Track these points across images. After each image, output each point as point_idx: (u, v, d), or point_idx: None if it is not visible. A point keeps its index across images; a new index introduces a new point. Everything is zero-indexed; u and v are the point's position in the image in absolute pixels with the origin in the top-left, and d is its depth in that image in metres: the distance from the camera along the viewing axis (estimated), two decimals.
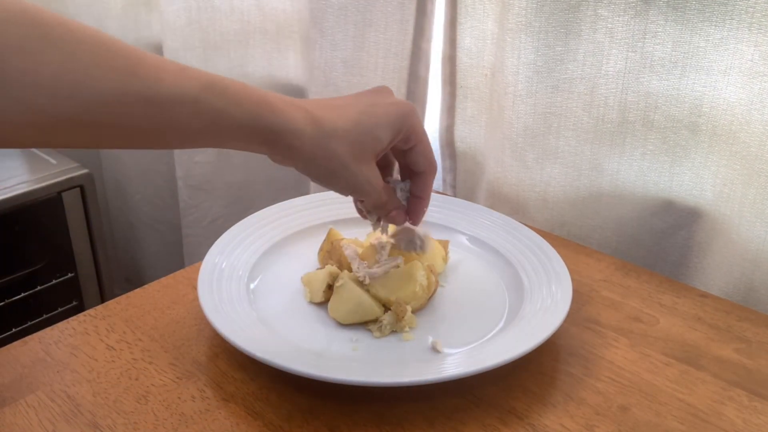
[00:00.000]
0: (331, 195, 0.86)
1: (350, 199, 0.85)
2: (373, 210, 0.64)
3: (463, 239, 0.81)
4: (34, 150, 1.45)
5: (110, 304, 0.71)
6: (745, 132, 0.73)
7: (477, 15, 0.91)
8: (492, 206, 0.96)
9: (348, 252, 0.69)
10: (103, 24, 1.44)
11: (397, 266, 0.68)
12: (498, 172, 0.94)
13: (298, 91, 1.23)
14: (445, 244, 0.76)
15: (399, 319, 0.65)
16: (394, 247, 0.70)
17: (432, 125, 1.07)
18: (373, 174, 0.58)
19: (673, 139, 0.79)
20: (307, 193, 1.29)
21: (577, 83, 0.83)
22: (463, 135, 1.00)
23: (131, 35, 1.42)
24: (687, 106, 0.77)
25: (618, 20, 0.77)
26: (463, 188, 1.04)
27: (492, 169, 0.95)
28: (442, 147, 1.04)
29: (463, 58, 0.95)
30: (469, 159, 1.01)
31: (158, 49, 1.34)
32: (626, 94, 0.80)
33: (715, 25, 0.72)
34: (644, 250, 0.86)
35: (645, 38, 0.76)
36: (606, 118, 0.82)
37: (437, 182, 1.13)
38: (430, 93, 1.07)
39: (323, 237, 0.75)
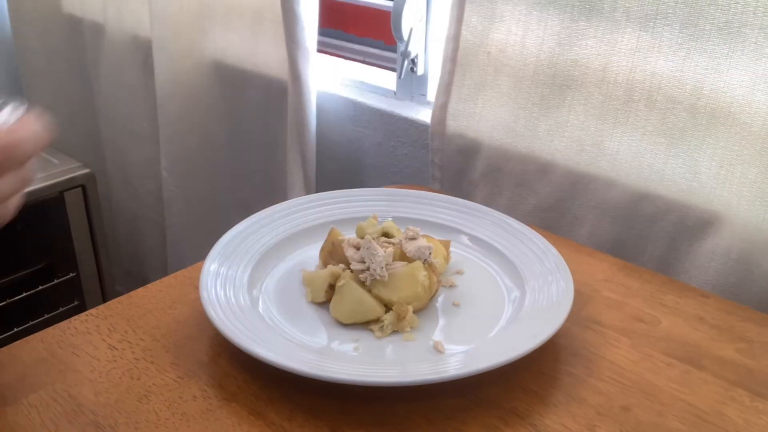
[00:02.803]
0: (332, 195, 0.86)
1: (350, 197, 0.85)
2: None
3: (465, 239, 0.81)
4: None
5: (112, 303, 0.71)
6: (746, 113, 0.74)
7: None
8: (489, 181, 0.97)
9: (349, 253, 0.69)
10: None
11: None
12: (507, 143, 0.95)
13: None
14: (446, 244, 0.76)
15: (400, 318, 0.65)
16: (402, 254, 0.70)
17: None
18: None
19: (672, 121, 0.80)
20: (304, 187, 1.29)
21: (594, 59, 0.85)
22: (457, 113, 1.01)
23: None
24: (688, 88, 0.78)
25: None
26: (451, 168, 1.04)
27: (496, 142, 0.96)
28: (433, 126, 1.03)
29: (467, 36, 0.96)
30: (459, 138, 1.02)
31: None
32: (634, 73, 0.82)
33: (721, 9, 0.74)
34: (636, 234, 0.86)
35: (656, 18, 0.78)
36: (613, 96, 0.84)
37: (426, 174, 1.13)
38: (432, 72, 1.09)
39: (324, 237, 0.75)
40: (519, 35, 0.90)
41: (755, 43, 0.72)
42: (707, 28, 0.75)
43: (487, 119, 0.97)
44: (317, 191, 0.86)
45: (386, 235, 0.73)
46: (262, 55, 1.24)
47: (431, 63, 1.16)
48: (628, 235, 0.87)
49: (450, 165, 1.03)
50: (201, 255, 0.72)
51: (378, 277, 0.66)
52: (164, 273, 1.39)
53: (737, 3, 0.72)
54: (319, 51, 1.35)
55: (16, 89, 1.73)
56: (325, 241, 0.74)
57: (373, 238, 0.69)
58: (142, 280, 1.72)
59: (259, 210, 0.80)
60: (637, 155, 0.84)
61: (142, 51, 1.42)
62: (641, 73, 0.81)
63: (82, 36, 1.57)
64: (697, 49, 0.76)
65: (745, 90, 0.74)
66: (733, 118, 0.75)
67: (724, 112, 0.76)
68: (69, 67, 1.64)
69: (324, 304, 0.69)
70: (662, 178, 0.83)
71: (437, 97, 1.02)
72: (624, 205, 0.86)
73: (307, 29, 1.15)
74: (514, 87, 0.93)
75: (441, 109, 1.02)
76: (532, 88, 0.91)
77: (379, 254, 0.67)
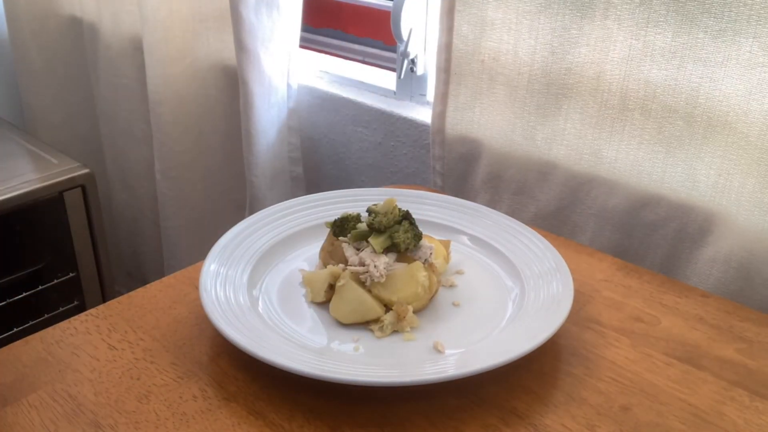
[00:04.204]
0: (331, 195, 0.86)
1: (350, 197, 0.85)
2: None
3: (465, 239, 0.81)
4: (36, 149, 1.46)
5: (112, 303, 0.71)
6: (743, 122, 0.73)
7: (476, 3, 0.92)
8: (490, 189, 0.97)
9: (349, 253, 0.69)
10: None
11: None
12: (506, 151, 0.95)
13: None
14: (446, 244, 0.76)
15: (400, 318, 0.65)
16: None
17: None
18: None
19: (669, 130, 0.80)
20: (301, 183, 1.29)
21: (588, 67, 0.84)
22: (455, 122, 1.01)
23: None
24: (684, 97, 0.78)
25: (625, 7, 0.79)
26: (452, 176, 1.04)
27: (495, 150, 0.96)
28: (433, 134, 1.03)
29: (459, 45, 0.96)
30: (459, 146, 1.02)
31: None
32: (628, 81, 0.81)
33: (714, 17, 0.73)
34: (636, 242, 0.86)
35: (648, 27, 0.78)
36: (608, 104, 0.84)
37: (426, 174, 1.12)
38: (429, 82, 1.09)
39: (324, 237, 0.75)
40: (511, 44, 0.90)
41: (749, 52, 0.71)
42: (700, 37, 0.74)
43: (486, 127, 0.97)
44: (318, 191, 0.86)
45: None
46: (276, 56, 1.24)
47: (431, 63, 1.16)
48: (629, 243, 0.87)
49: (451, 172, 1.03)
50: (196, 257, 0.72)
51: (376, 280, 0.66)
52: (162, 275, 1.39)
53: (730, 11, 0.72)
54: (319, 51, 1.36)
55: (13, 90, 1.73)
56: (325, 241, 0.74)
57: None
58: (141, 281, 1.72)
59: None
60: (635, 163, 0.84)
61: (139, 52, 1.42)
62: (635, 81, 0.81)
63: (81, 37, 1.58)
64: (690, 58, 0.76)
65: (741, 99, 0.73)
66: (730, 127, 0.75)
67: (720, 121, 0.76)
68: (68, 69, 1.64)
69: (324, 304, 0.69)
70: (662, 186, 0.82)
71: (434, 106, 1.02)
72: (625, 213, 0.86)
73: (254, 31, 1.15)
74: (510, 96, 0.93)
75: (439, 118, 1.02)
76: (528, 97, 0.90)
77: (382, 258, 0.67)
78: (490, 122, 0.96)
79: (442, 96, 1.00)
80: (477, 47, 0.94)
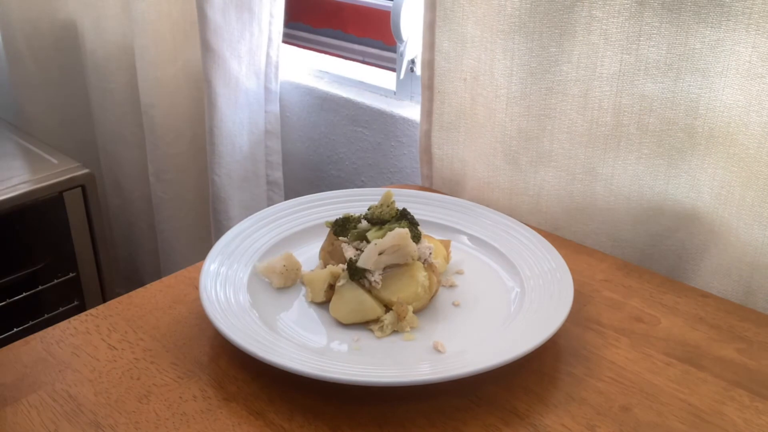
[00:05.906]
0: (332, 195, 0.86)
1: (350, 197, 0.85)
2: None
3: (464, 239, 0.81)
4: (36, 149, 1.46)
5: (112, 303, 0.71)
6: (743, 134, 0.72)
7: (456, 18, 0.89)
8: None
9: (349, 253, 0.69)
10: None
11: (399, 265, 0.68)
12: (489, 175, 0.92)
13: None
14: (446, 244, 0.76)
15: (400, 318, 0.65)
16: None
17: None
18: None
19: (669, 142, 0.78)
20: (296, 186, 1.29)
21: (572, 85, 0.82)
22: (440, 141, 0.98)
23: None
24: (683, 108, 0.76)
25: (612, 22, 0.76)
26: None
27: (480, 174, 0.94)
28: (420, 153, 1.02)
29: (440, 62, 0.93)
30: (446, 167, 0.99)
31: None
32: (621, 97, 0.79)
33: (711, 27, 0.71)
34: (639, 254, 0.85)
35: (640, 40, 0.76)
36: (600, 122, 0.81)
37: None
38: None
39: (324, 237, 0.75)
40: (488, 64, 0.87)
41: (749, 62, 0.70)
42: (698, 47, 0.72)
43: (471, 148, 0.94)
44: (318, 191, 0.86)
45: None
46: (246, 58, 1.24)
47: None
48: (632, 255, 0.86)
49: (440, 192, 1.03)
50: (192, 260, 0.72)
51: (373, 284, 0.66)
52: (159, 277, 1.38)
53: (728, 21, 0.70)
54: (318, 51, 1.36)
55: (8, 96, 1.73)
56: (325, 241, 0.74)
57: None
58: (139, 284, 1.72)
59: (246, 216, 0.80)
60: (635, 178, 0.81)
61: (125, 56, 1.43)
62: (629, 96, 0.78)
63: (76, 40, 1.57)
64: (688, 69, 0.74)
65: (741, 110, 0.72)
66: (731, 138, 0.73)
67: (722, 132, 0.74)
68: (63, 73, 1.63)
69: (324, 304, 0.69)
70: (665, 199, 0.80)
71: (421, 124, 1.00)
72: (627, 226, 0.84)
73: (220, 32, 1.14)
74: (489, 118, 0.89)
75: (425, 137, 0.99)
76: (507, 121, 0.87)
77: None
78: (474, 143, 0.93)
79: (428, 114, 0.98)
80: (459, 65, 0.91)
